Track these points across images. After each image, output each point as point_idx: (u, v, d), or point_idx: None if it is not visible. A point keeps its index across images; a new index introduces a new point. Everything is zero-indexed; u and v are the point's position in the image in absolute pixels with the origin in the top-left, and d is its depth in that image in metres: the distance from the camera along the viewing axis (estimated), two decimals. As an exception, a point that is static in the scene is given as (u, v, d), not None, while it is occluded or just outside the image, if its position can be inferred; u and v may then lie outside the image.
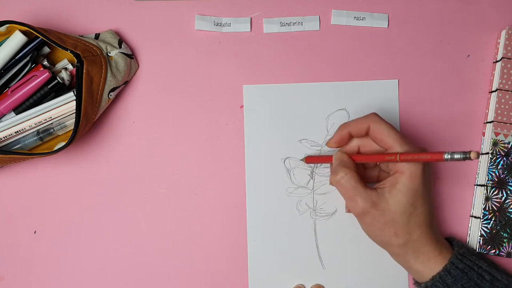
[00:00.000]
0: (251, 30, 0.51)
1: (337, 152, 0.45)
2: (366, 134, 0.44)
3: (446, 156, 0.37)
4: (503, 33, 0.50)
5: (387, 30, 0.52)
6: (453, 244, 0.45)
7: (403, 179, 0.41)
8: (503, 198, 0.48)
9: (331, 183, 0.47)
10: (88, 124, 0.46)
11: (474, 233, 0.49)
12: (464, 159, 0.36)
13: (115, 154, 0.51)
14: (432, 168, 0.50)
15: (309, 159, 0.49)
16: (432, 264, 0.42)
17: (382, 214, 0.41)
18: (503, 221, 0.48)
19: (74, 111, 0.44)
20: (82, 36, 0.49)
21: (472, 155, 0.35)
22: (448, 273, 0.42)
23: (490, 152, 0.49)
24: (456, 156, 0.36)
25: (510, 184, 0.49)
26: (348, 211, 0.48)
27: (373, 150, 0.45)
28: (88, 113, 0.45)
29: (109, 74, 0.47)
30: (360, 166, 0.47)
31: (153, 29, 0.51)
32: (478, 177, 0.50)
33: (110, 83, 0.47)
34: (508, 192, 0.49)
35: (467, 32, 0.52)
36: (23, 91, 0.45)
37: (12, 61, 0.45)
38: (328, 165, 0.50)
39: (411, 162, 0.41)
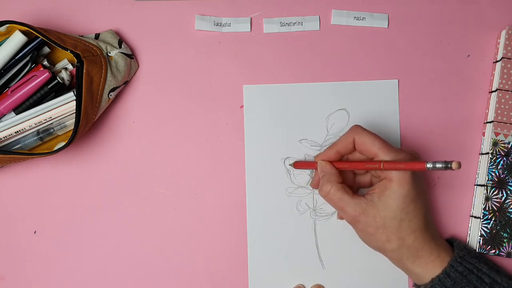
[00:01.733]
0: (251, 30, 0.51)
1: (319, 162, 0.46)
2: (354, 149, 0.45)
3: (428, 165, 0.37)
4: (503, 33, 0.50)
5: (387, 30, 0.52)
6: (454, 246, 0.45)
7: (391, 185, 0.41)
8: (503, 198, 0.48)
9: (312, 186, 0.50)
10: (88, 124, 0.46)
11: (474, 233, 0.49)
12: (446, 168, 0.35)
13: (115, 154, 0.51)
14: (428, 172, 0.50)
15: (297, 165, 0.50)
16: (431, 267, 0.42)
17: (373, 220, 0.42)
18: (503, 221, 0.48)
19: (74, 111, 0.44)
20: (82, 36, 0.49)
21: (454, 166, 0.35)
22: (447, 276, 0.42)
23: (490, 152, 0.49)
24: (438, 165, 0.36)
25: (510, 184, 0.49)
26: (340, 217, 0.49)
27: (359, 159, 0.46)
28: (88, 113, 0.45)
29: (109, 74, 0.47)
30: (350, 173, 0.47)
31: (153, 29, 0.51)
32: (478, 177, 0.50)
33: (110, 83, 0.47)
34: (508, 192, 0.49)
35: (467, 32, 0.52)
36: (23, 91, 0.45)
37: (12, 61, 0.45)
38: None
39: (393, 170, 0.41)
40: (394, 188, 0.41)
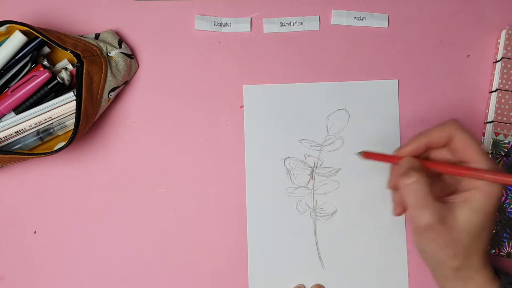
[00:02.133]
0: (251, 30, 0.51)
1: (406, 158, 0.40)
2: (445, 145, 0.40)
3: None
4: (503, 33, 0.50)
5: (387, 30, 0.52)
6: (497, 272, 0.41)
7: (480, 198, 0.37)
8: (503, 198, 0.48)
9: (391, 187, 0.43)
10: (88, 124, 0.46)
11: (474, 233, 0.49)
12: None
13: (115, 154, 0.51)
14: None
15: (367, 155, 0.43)
16: None
17: (448, 231, 0.37)
18: (503, 221, 0.48)
19: (74, 111, 0.44)
20: (82, 36, 0.49)
21: None
22: None
23: (490, 152, 0.49)
24: None
25: (510, 184, 0.49)
26: (398, 213, 0.43)
27: (444, 160, 0.41)
28: (88, 113, 0.45)
29: (109, 74, 0.47)
30: None
31: (153, 29, 0.51)
32: (478, 177, 0.50)
33: (110, 83, 0.47)
34: (508, 192, 0.49)
35: (467, 32, 0.52)
36: (23, 91, 0.45)
37: (12, 61, 0.45)
38: (330, 165, 0.50)
39: (495, 182, 0.37)
40: (481, 201, 0.37)
